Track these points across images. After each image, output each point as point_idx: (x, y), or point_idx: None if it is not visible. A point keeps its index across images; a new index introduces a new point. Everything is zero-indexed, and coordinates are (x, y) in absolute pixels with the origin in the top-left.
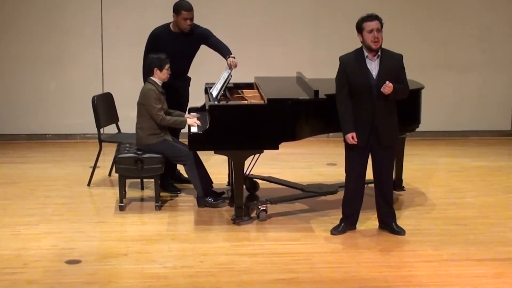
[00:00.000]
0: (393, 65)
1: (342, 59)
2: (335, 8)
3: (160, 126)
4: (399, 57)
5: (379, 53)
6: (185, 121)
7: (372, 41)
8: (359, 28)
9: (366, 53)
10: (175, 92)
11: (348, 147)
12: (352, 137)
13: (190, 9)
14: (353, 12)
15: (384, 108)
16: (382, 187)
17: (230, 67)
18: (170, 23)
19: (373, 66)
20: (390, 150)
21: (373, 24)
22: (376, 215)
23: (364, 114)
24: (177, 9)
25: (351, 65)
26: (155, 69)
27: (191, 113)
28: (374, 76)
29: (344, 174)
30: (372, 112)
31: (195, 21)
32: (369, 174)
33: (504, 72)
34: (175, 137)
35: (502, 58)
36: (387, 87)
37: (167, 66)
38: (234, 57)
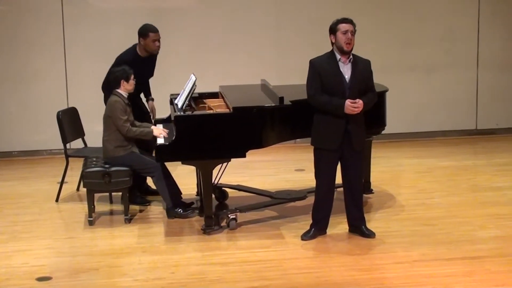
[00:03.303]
0: (363, 70)
1: (314, 62)
2: (298, 15)
3: (127, 138)
4: (368, 63)
5: (351, 57)
6: (152, 132)
7: (345, 43)
8: (333, 30)
9: (338, 56)
10: (139, 108)
11: (318, 153)
12: (351, 102)
13: (156, 30)
14: (316, 17)
15: (356, 114)
16: (352, 191)
17: (152, 110)
18: (134, 47)
19: (346, 70)
20: (360, 154)
21: (348, 26)
22: (345, 219)
23: (336, 118)
24: (144, 33)
25: (323, 67)
26: (122, 81)
27: (157, 126)
28: (347, 80)
29: (313, 180)
30: (345, 116)
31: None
32: (337, 179)
33: (467, 71)
34: (148, 153)
35: (465, 58)
36: (358, 106)
37: (132, 76)
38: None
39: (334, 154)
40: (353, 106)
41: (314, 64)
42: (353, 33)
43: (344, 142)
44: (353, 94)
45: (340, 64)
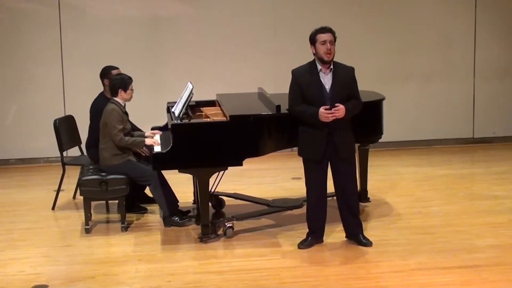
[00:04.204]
0: (345, 78)
1: (295, 72)
2: (295, 23)
3: (120, 147)
4: (351, 70)
5: (331, 66)
6: (143, 141)
7: (324, 53)
8: (312, 40)
9: (319, 66)
10: None
11: (306, 162)
12: (324, 109)
13: (117, 67)
14: (313, 26)
15: (339, 121)
16: (346, 198)
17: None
18: (102, 93)
19: (326, 80)
20: (350, 161)
21: (326, 36)
22: (341, 228)
23: (318, 129)
24: (106, 73)
25: (304, 78)
26: (119, 90)
27: (154, 130)
28: (328, 89)
29: None
30: (327, 125)
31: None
32: (331, 187)
33: (464, 80)
34: (145, 161)
35: (462, 66)
36: (340, 111)
37: (131, 86)
38: None
39: (321, 165)
40: (327, 113)
41: (295, 75)
42: (333, 42)
43: (329, 151)
44: (335, 105)
45: (321, 74)
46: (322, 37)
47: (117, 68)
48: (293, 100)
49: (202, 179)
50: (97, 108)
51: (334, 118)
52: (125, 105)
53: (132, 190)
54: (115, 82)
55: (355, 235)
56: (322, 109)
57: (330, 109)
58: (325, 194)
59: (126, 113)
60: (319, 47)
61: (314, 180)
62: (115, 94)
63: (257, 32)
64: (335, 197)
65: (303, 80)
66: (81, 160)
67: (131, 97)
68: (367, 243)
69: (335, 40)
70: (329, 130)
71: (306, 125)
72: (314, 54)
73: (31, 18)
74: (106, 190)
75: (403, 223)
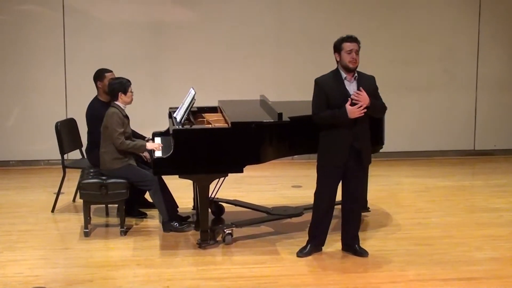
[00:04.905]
0: (369, 86)
1: (320, 81)
2: (298, 31)
3: (121, 151)
4: (373, 78)
5: (356, 74)
6: (144, 145)
7: (349, 61)
8: (337, 48)
9: (344, 75)
10: None
11: (322, 170)
12: (350, 105)
13: (111, 70)
14: (316, 34)
15: (362, 128)
16: (351, 208)
17: None
18: (96, 97)
19: (352, 88)
20: (367, 170)
21: (352, 45)
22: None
23: (342, 135)
24: (100, 76)
25: (329, 86)
26: (119, 94)
27: (155, 140)
28: None
29: (310, 196)
30: (351, 133)
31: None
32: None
33: (466, 91)
34: (145, 165)
35: (464, 78)
36: (363, 96)
37: (130, 88)
38: None
39: (338, 171)
40: (354, 108)
41: (320, 83)
42: (358, 52)
43: (351, 158)
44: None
45: (346, 82)
46: (348, 46)
47: (110, 71)
48: (318, 108)
49: (202, 185)
50: (93, 111)
51: (363, 109)
52: (125, 108)
53: (132, 194)
54: (114, 86)
55: (351, 246)
56: (348, 106)
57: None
58: (334, 202)
59: (127, 117)
60: (344, 55)
61: (327, 187)
62: (115, 98)
63: (260, 39)
64: (338, 206)
65: (329, 88)
66: (81, 163)
67: (132, 99)
68: (363, 253)
69: (359, 50)
70: (354, 136)
71: (329, 130)
72: (337, 62)
73: (35, 20)
74: (106, 194)
75: (403, 234)
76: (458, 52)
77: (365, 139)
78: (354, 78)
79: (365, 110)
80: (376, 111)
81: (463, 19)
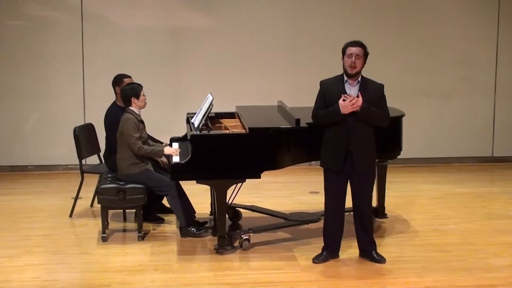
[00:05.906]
0: (372, 93)
1: (322, 83)
2: (315, 37)
3: (138, 156)
4: (380, 86)
5: (359, 80)
6: (162, 151)
7: (348, 66)
8: (342, 52)
9: (346, 78)
10: None
11: (326, 173)
12: (343, 100)
13: (129, 76)
14: (333, 40)
15: (360, 134)
16: (360, 215)
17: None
18: (114, 103)
19: (352, 92)
20: (367, 177)
21: (354, 50)
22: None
23: (339, 139)
24: (118, 81)
25: (329, 87)
26: (132, 98)
27: (173, 145)
28: None
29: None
30: (347, 137)
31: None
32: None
33: (484, 98)
34: (163, 171)
35: (483, 85)
36: (358, 101)
37: (142, 92)
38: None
39: (340, 176)
40: (345, 103)
41: (322, 85)
42: (359, 56)
43: (347, 163)
44: (357, 116)
45: (347, 85)
46: (350, 50)
47: (129, 77)
48: (317, 108)
49: (219, 190)
50: (111, 117)
51: (355, 106)
52: (140, 113)
53: (150, 200)
54: (126, 92)
55: (368, 252)
56: (341, 101)
57: (355, 114)
58: (343, 208)
59: (142, 122)
60: (345, 59)
61: (331, 192)
62: (128, 103)
63: (277, 46)
64: (351, 212)
65: (328, 89)
66: (99, 168)
67: (145, 103)
68: (381, 260)
69: (366, 55)
70: (350, 142)
71: (328, 134)
72: (343, 66)
73: (53, 26)
74: (123, 199)
75: (420, 240)
76: (476, 58)
77: (363, 145)
78: (357, 83)
79: (358, 107)
80: (372, 116)
81: (481, 25)
